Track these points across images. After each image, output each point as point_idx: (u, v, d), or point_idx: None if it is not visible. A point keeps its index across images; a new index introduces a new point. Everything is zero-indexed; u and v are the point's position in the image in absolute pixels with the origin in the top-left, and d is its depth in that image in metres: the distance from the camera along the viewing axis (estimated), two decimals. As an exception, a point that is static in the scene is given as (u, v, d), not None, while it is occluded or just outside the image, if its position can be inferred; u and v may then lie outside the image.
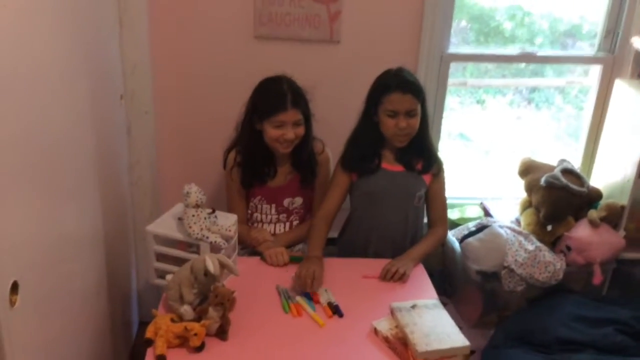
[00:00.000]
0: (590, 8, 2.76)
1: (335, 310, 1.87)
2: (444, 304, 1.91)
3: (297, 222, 2.34)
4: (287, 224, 2.33)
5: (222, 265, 1.76)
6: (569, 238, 2.48)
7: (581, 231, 2.48)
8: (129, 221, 2.46)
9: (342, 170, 2.24)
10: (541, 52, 2.72)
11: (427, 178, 2.23)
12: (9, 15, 1.22)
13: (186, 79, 2.48)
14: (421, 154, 2.22)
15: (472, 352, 2.46)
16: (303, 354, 1.70)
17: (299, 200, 2.31)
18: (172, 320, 1.70)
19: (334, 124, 2.30)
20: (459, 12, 2.64)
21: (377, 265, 2.10)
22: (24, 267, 1.28)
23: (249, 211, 2.33)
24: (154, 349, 1.64)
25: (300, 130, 2.15)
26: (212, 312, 1.71)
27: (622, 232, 2.53)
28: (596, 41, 2.71)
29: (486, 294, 2.54)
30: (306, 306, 1.88)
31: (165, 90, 2.47)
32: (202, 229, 1.88)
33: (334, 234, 2.34)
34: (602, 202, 2.56)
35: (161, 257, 1.97)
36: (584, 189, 2.47)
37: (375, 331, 1.78)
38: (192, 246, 1.93)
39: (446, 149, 3.12)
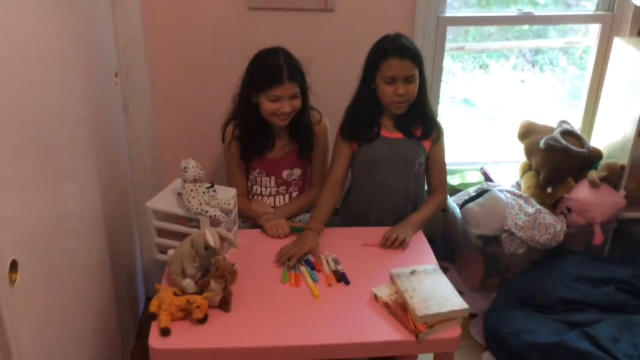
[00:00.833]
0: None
1: (342, 278, 1.89)
2: (446, 269, 1.93)
3: (296, 193, 2.35)
4: (287, 196, 2.34)
5: (222, 239, 1.78)
6: (569, 199, 2.49)
7: (581, 192, 2.49)
8: (130, 198, 2.47)
9: (342, 140, 2.24)
10: (538, 12, 2.68)
11: (426, 144, 2.23)
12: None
13: (181, 54, 2.47)
14: (420, 120, 2.21)
15: (475, 315, 2.50)
16: (304, 322, 1.72)
17: (297, 172, 2.32)
18: (175, 294, 1.72)
19: (331, 93, 2.29)
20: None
21: (378, 233, 2.12)
22: (23, 245, 1.29)
23: (249, 184, 2.34)
24: (158, 323, 1.67)
25: (297, 103, 2.14)
26: (214, 285, 1.73)
27: (622, 192, 2.53)
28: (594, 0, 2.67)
29: (487, 257, 2.56)
30: (307, 276, 1.90)
31: (160, 66, 2.47)
32: (201, 204, 1.90)
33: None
34: (602, 162, 2.56)
35: (162, 232, 1.99)
36: (583, 150, 2.47)
37: (376, 297, 1.80)
38: (192, 221, 1.95)
39: (450, 115, 3.11)
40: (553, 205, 2.55)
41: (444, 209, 2.52)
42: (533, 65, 3.49)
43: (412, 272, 1.86)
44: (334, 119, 2.28)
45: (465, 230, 2.52)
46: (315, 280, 1.89)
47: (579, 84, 3.08)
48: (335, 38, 2.49)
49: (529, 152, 2.58)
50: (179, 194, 1.96)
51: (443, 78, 2.73)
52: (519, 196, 2.51)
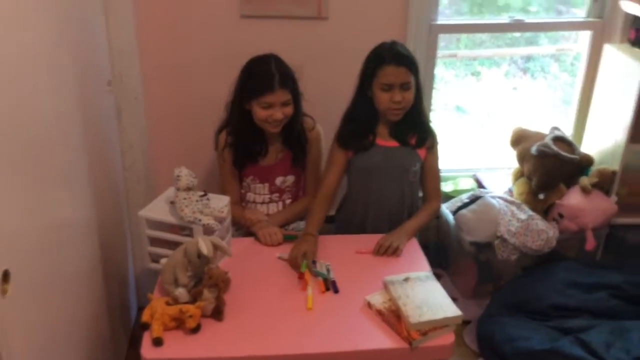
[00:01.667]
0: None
1: (331, 286, 1.89)
2: (440, 276, 1.93)
3: (290, 200, 2.35)
4: (280, 203, 2.34)
5: (215, 247, 1.78)
6: (561, 205, 2.50)
7: (573, 198, 2.50)
8: (123, 206, 2.47)
9: (338, 147, 2.24)
10: (529, 19, 2.70)
11: (421, 152, 2.24)
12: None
13: (174, 62, 2.47)
14: (415, 129, 2.22)
15: (468, 322, 2.50)
16: (298, 330, 1.72)
17: (290, 179, 2.32)
18: (168, 304, 1.72)
19: (324, 101, 2.30)
20: (452, -17, 2.62)
21: (372, 240, 2.12)
22: (15, 256, 1.29)
23: (242, 191, 2.34)
24: (151, 333, 1.66)
25: (289, 110, 2.14)
26: (207, 294, 1.73)
27: (614, 198, 2.54)
28: (585, 6, 2.69)
29: (481, 264, 2.56)
30: (310, 284, 1.89)
31: (154, 74, 2.46)
32: (194, 212, 1.89)
33: (331, 211, 2.35)
34: (594, 169, 2.57)
35: (155, 241, 1.98)
36: (575, 156, 2.48)
37: (369, 305, 1.80)
38: (185, 229, 1.94)
39: (442, 122, 3.12)
40: (545, 211, 2.56)
41: (438, 216, 2.53)
42: (525, 73, 3.50)
43: (406, 279, 1.86)
44: (328, 126, 2.29)
45: (458, 236, 2.52)
46: (322, 277, 1.90)
47: (571, 91, 3.10)
48: (329, 46, 2.50)
49: (521, 159, 2.59)
50: (172, 203, 1.96)
51: (435, 85, 2.74)
52: (512, 202, 2.52)
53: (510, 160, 2.72)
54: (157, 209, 1.98)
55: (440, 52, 2.66)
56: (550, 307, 2.33)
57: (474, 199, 2.55)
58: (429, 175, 2.28)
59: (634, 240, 2.66)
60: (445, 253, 2.73)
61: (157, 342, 1.63)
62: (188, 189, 1.91)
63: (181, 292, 1.74)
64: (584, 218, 2.45)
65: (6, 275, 1.22)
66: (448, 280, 2.70)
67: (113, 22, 2.27)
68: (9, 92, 1.29)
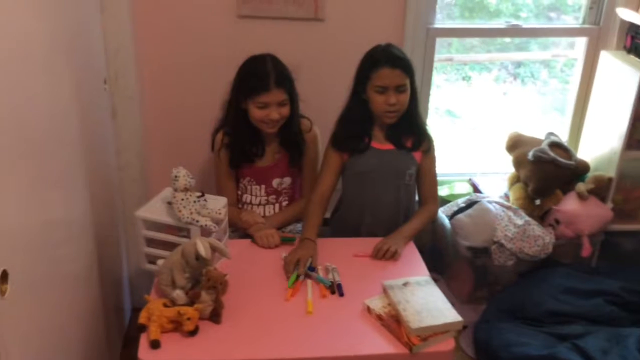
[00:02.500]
0: (575, -20, 2.75)
1: (337, 289, 1.87)
2: (435, 281, 1.92)
3: (287, 202, 2.34)
4: (277, 205, 2.32)
5: (214, 249, 1.75)
6: (558, 211, 2.50)
7: (569, 204, 2.50)
8: (118, 207, 2.43)
9: (332, 150, 2.23)
10: (527, 25, 2.70)
11: (417, 155, 2.23)
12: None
13: (171, 61, 2.45)
14: (411, 131, 2.21)
15: (465, 327, 2.50)
16: (296, 334, 1.70)
17: (287, 181, 2.30)
18: (165, 305, 1.69)
19: (321, 102, 2.28)
20: (443, -13, 2.62)
21: (369, 244, 2.10)
22: (13, 255, 1.26)
23: (239, 192, 2.31)
24: (148, 334, 1.63)
25: (285, 110, 2.13)
26: (205, 296, 1.70)
27: (609, 204, 2.56)
28: (581, 13, 2.70)
29: (477, 269, 2.56)
30: (308, 288, 1.87)
31: (150, 73, 2.44)
32: (191, 213, 1.87)
33: (326, 214, 2.33)
34: (590, 175, 2.58)
35: (151, 242, 1.95)
36: (571, 162, 2.49)
37: (368, 309, 1.79)
38: (182, 230, 1.92)
39: (434, 126, 3.12)
40: (541, 217, 2.56)
41: (434, 219, 2.52)
42: (515, 78, 3.53)
43: (405, 284, 1.85)
44: (324, 128, 2.27)
45: (454, 241, 2.52)
46: (326, 285, 1.87)
47: (560, 97, 3.12)
48: (325, 48, 2.49)
49: (518, 164, 2.59)
50: (169, 203, 1.93)
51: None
52: (508, 208, 2.52)
53: (505, 165, 2.72)
54: (154, 210, 1.95)
55: (436, 56, 2.65)
56: (546, 313, 2.33)
57: (470, 204, 2.54)
58: (425, 178, 2.27)
59: (630, 247, 2.67)
60: (441, 257, 2.72)
61: (155, 344, 1.61)
62: (185, 189, 1.89)
63: (179, 294, 1.72)
64: (580, 224, 2.46)
65: (5, 275, 1.19)
66: (444, 284, 2.69)
67: (109, 21, 2.24)
68: (4, 91, 1.26)
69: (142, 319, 1.67)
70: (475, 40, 3.07)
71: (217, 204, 1.98)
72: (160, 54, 2.43)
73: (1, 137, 1.23)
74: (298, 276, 1.91)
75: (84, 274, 1.88)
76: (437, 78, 3.26)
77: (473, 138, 3.41)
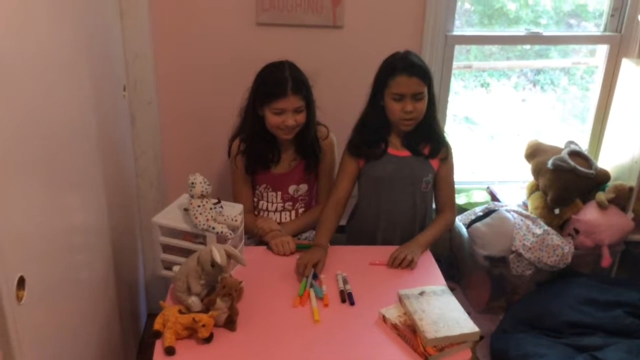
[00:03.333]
0: (595, -13, 2.72)
1: (347, 298, 1.86)
2: (452, 290, 1.90)
3: (303, 209, 2.33)
4: (293, 212, 2.32)
5: (229, 256, 1.75)
6: (577, 221, 2.47)
7: (589, 214, 2.47)
8: (135, 213, 2.45)
9: (349, 156, 2.22)
10: (547, 32, 2.68)
11: (434, 163, 2.21)
12: (9, 4, 1.20)
13: (189, 68, 2.46)
14: (428, 139, 2.20)
15: (481, 337, 2.47)
16: (311, 342, 1.69)
17: (304, 188, 2.30)
18: (180, 312, 1.69)
19: (338, 109, 2.28)
20: (462, -7, 2.61)
21: (385, 252, 2.09)
22: (30, 261, 1.27)
23: (255, 199, 2.32)
24: (163, 341, 1.63)
25: (301, 117, 2.13)
26: (220, 303, 1.70)
27: (630, 214, 2.52)
28: (602, 20, 2.68)
29: (494, 278, 2.53)
30: (312, 297, 1.87)
31: (168, 80, 2.46)
32: (208, 220, 1.87)
33: (342, 221, 2.33)
34: (610, 184, 2.54)
35: (167, 248, 1.96)
36: (591, 171, 2.45)
37: (384, 318, 1.77)
38: (198, 237, 1.92)
39: (452, 133, 3.10)
40: (560, 226, 2.53)
41: (451, 228, 2.50)
42: (534, 85, 3.49)
43: (421, 293, 1.83)
44: (341, 136, 2.27)
45: (472, 250, 2.50)
46: (319, 296, 1.86)
47: (580, 105, 3.08)
48: (344, 55, 2.49)
49: (537, 173, 2.56)
50: (186, 210, 1.94)
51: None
52: (527, 217, 2.49)
53: (524, 173, 2.69)
54: (171, 216, 1.96)
55: (455, 64, 2.64)
56: (564, 324, 2.29)
57: (488, 212, 2.52)
58: (442, 186, 2.25)
59: (651, 258, 2.63)
60: (458, 266, 2.70)
61: (169, 351, 1.61)
62: (202, 196, 1.89)
63: (194, 301, 1.72)
64: (600, 234, 2.42)
65: (21, 281, 1.20)
66: (460, 294, 2.67)
67: (129, 27, 2.26)
68: (25, 98, 1.27)
69: (157, 325, 1.68)
70: (494, 47, 3.05)
71: (233, 210, 1.98)
72: (179, 60, 2.44)
73: (20, 142, 1.24)
74: (306, 280, 1.92)
75: (100, 279, 1.89)
76: (455, 85, 3.24)
77: (491, 146, 3.38)
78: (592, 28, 2.74)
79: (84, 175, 1.73)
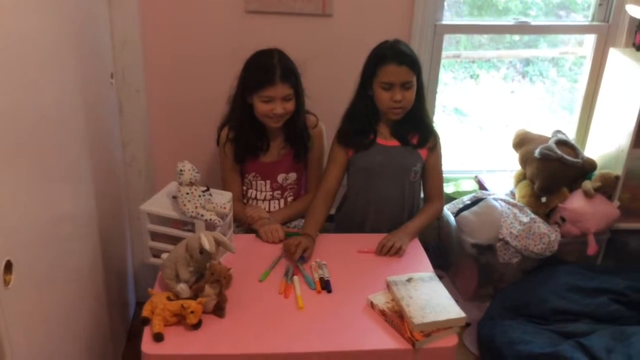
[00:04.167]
0: (584, -23, 2.74)
1: (325, 286, 1.87)
2: (440, 278, 1.92)
3: (292, 198, 2.34)
4: (282, 201, 2.32)
5: (218, 243, 1.75)
6: (564, 209, 2.49)
7: (575, 202, 2.49)
8: (123, 201, 2.44)
9: (338, 145, 2.23)
10: (535, 22, 2.69)
11: (423, 152, 2.22)
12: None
13: (177, 56, 2.45)
14: (417, 128, 2.20)
15: (468, 324, 2.49)
16: (300, 329, 1.70)
17: (293, 176, 2.30)
18: (169, 299, 1.70)
19: (328, 98, 2.28)
20: (451, -16, 2.62)
21: (373, 240, 2.10)
22: (18, 246, 1.27)
23: (244, 187, 2.32)
24: (151, 328, 1.64)
25: (290, 105, 2.13)
26: (209, 290, 1.71)
27: (616, 202, 2.54)
28: (590, 10, 2.69)
29: (482, 266, 2.55)
30: (295, 285, 1.87)
31: (157, 68, 2.44)
32: (196, 207, 1.87)
33: (331, 210, 2.33)
34: (597, 173, 2.56)
35: (156, 236, 1.96)
36: (578, 160, 2.47)
37: (372, 305, 1.79)
38: (187, 224, 1.92)
39: (441, 124, 3.11)
40: (547, 214, 2.55)
41: (439, 217, 2.52)
42: (523, 76, 3.51)
43: (409, 280, 1.85)
44: (330, 124, 2.27)
45: (459, 238, 2.51)
46: (311, 287, 1.87)
47: (569, 96, 3.10)
48: (333, 43, 2.48)
49: (524, 161, 2.58)
50: (174, 197, 1.93)
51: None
52: (514, 205, 2.51)
53: (511, 162, 2.71)
54: (159, 204, 1.96)
55: (443, 53, 2.64)
56: (551, 311, 2.32)
57: (475, 201, 2.54)
58: (430, 175, 2.27)
59: (636, 245, 2.66)
60: (446, 254, 2.72)
61: (158, 337, 1.61)
62: (191, 183, 1.89)
63: (182, 288, 1.72)
64: (586, 222, 2.44)
65: (9, 265, 1.20)
66: (448, 281, 2.69)
67: (117, 14, 2.25)
68: (11, 85, 1.26)
69: (145, 312, 1.68)
70: (483, 38, 3.06)
71: (222, 198, 1.99)
72: (167, 48, 2.43)
73: (7, 130, 1.23)
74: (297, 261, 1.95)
75: (88, 267, 1.89)
76: (445, 76, 3.25)
77: (480, 136, 3.40)
78: (580, 19, 2.75)
79: (72, 163, 1.72)
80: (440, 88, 2.73)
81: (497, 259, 2.46)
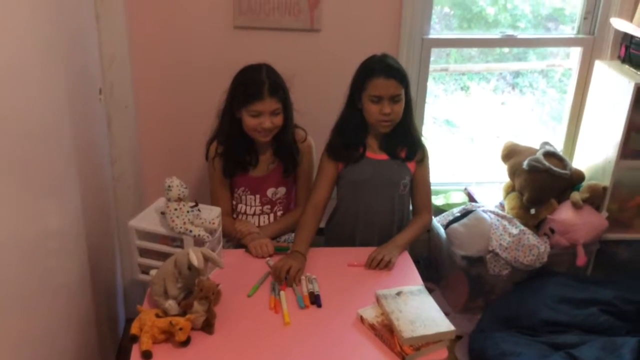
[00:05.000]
0: (570, -10, 2.77)
1: (314, 300, 1.87)
2: (431, 291, 1.92)
3: (281, 212, 2.34)
4: (272, 215, 2.32)
5: (206, 258, 1.75)
6: (553, 220, 2.50)
7: (564, 213, 2.50)
8: (112, 217, 2.43)
9: (327, 159, 2.23)
10: (521, 35, 2.71)
11: (411, 166, 2.23)
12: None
13: (166, 71, 2.46)
14: (405, 142, 2.21)
15: (460, 337, 2.49)
16: (290, 344, 1.70)
17: (282, 190, 2.30)
18: (157, 316, 1.69)
19: (316, 113, 2.29)
20: (441, -2, 2.64)
21: (363, 253, 2.10)
22: (2, 263, 1.26)
23: (234, 202, 2.32)
24: (140, 345, 1.63)
25: (278, 120, 2.13)
26: (197, 306, 1.70)
27: (604, 213, 2.55)
28: (576, 23, 2.71)
29: (472, 279, 2.56)
30: (282, 301, 1.86)
31: (145, 83, 2.45)
32: (185, 223, 1.87)
33: (321, 223, 2.33)
34: (585, 184, 2.58)
35: (145, 252, 1.95)
36: (566, 172, 2.49)
37: (361, 319, 1.78)
38: (175, 240, 1.92)
39: (432, 136, 3.13)
40: (536, 226, 2.56)
41: (429, 229, 2.52)
42: (513, 88, 3.54)
43: (398, 293, 1.84)
44: (319, 138, 2.28)
45: (449, 250, 2.52)
46: (300, 306, 1.85)
47: (559, 107, 3.12)
48: (321, 58, 2.50)
49: (512, 173, 2.59)
50: (163, 213, 1.93)
51: (426, 99, 2.74)
52: (503, 217, 2.52)
53: (501, 174, 2.72)
54: (148, 220, 1.95)
55: (431, 67, 2.66)
56: (541, 323, 2.32)
57: (465, 213, 2.54)
58: (419, 188, 2.27)
59: (625, 256, 2.67)
60: (437, 267, 2.72)
61: (146, 355, 1.60)
62: (179, 199, 1.89)
63: (171, 304, 1.72)
64: (575, 233, 2.46)
65: (-6, 286, 1.19)
66: (439, 294, 2.69)
67: (105, 30, 2.25)
68: (-1, 98, 1.26)
69: (134, 329, 1.67)
70: (473, 51, 3.09)
71: (211, 213, 1.98)
72: (156, 63, 2.44)
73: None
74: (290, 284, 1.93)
75: (76, 284, 1.87)
76: (435, 88, 3.27)
77: (471, 148, 3.41)
78: (569, 31, 2.78)
79: (59, 179, 1.72)
80: (431, 100, 2.75)
81: (487, 271, 2.47)
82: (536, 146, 2.61)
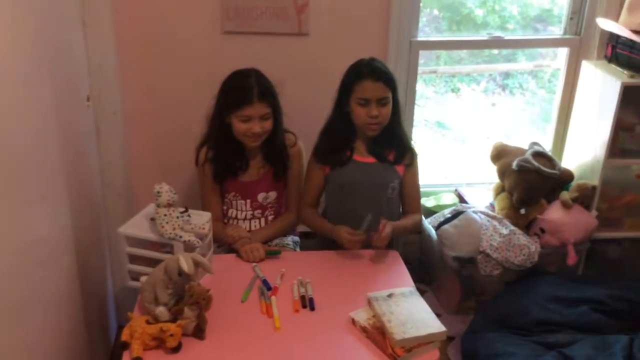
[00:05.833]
0: (557, -9, 2.78)
1: (308, 304, 1.86)
2: (423, 292, 1.92)
3: (272, 217, 2.33)
4: (263, 220, 2.32)
5: (197, 264, 1.74)
6: (543, 220, 2.51)
7: (554, 213, 2.51)
8: (102, 224, 2.42)
9: (314, 162, 2.24)
10: (508, 36, 2.73)
11: (400, 169, 2.24)
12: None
13: (155, 77, 2.45)
14: (393, 145, 2.22)
15: (452, 338, 2.49)
16: (282, 349, 1.69)
17: (273, 195, 2.30)
18: (148, 322, 1.68)
19: (305, 117, 2.29)
20: (430, 0, 2.63)
21: (354, 256, 2.11)
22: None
23: (224, 207, 2.31)
24: (130, 352, 1.62)
25: (268, 125, 2.13)
26: (188, 312, 1.69)
27: (594, 212, 2.56)
28: (562, 24, 2.73)
29: (464, 279, 2.56)
30: (273, 305, 1.85)
31: (134, 89, 2.44)
32: (174, 229, 1.86)
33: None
34: (574, 183, 2.59)
35: (135, 258, 1.94)
36: (555, 171, 2.50)
37: (353, 322, 1.78)
38: (165, 246, 1.91)
39: (423, 138, 3.14)
40: (527, 226, 2.57)
41: (420, 231, 2.52)
42: (503, 89, 3.55)
43: (390, 295, 1.85)
44: (309, 142, 2.28)
45: (441, 252, 2.52)
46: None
47: (548, 107, 3.14)
48: (310, 62, 2.50)
49: (502, 174, 2.60)
50: (152, 219, 1.92)
51: (417, 102, 2.75)
52: (493, 217, 2.53)
53: (491, 175, 2.73)
54: (137, 226, 1.95)
55: (420, 69, 2.67)
56: (533, 322, 2.33)
57: (456, 214, 2.55)
58: (408, 191, 2.28)
59: (615, 254, 2.68)
60: (428, 268, 2.72)
61: (137, 362, 1.59)
62: (169, 205, 1.88)
63: (161, 311, 1.71)
64: (565, 232, 2.47)
65: (-19, 294, 1.19)
66: (431, 295, 2.70)
67: (91, 37, 2.24)
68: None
69: (124, 336, 1.66)
70: (463, 53, 3.10)
71: (201, 219, 1.98)
72: (144, 69, 2.43)
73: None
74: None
75: (66, 292, 1.86)
76: (426, 90, 3.28)
77: (462, 149, 3.43)
78: (557, 32, 2.79)
79: (47, 187, 1.71)
80: (422, 102, 2.76)
81: (478, 271, 2.47)
82: (525, 146, 2.62)
